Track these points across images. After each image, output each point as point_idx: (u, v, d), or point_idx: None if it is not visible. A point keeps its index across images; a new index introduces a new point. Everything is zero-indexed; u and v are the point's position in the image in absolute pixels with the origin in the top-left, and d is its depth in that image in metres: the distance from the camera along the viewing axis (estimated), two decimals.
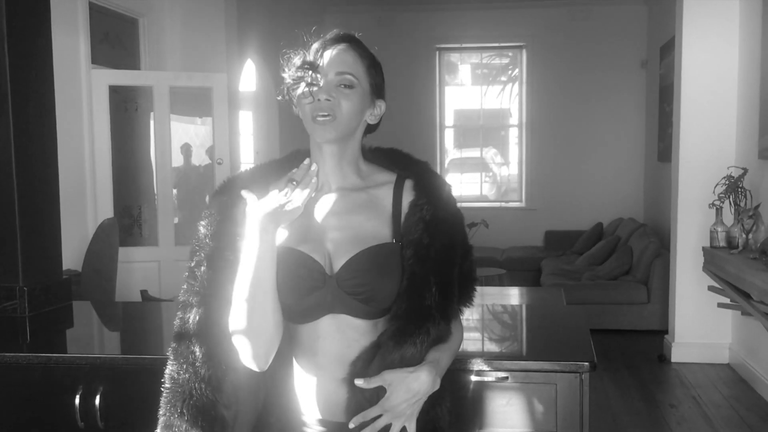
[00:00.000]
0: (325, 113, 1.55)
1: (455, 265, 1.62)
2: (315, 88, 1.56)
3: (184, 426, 1.57)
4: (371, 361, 1.55)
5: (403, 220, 1.61)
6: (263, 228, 1.49)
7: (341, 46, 1.60)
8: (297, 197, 1.52)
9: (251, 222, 1.50)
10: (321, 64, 1.58)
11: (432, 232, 1.58)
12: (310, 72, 1.56)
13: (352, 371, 1.56)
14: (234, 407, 1.59)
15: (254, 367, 1.55)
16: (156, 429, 1.63)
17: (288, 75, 1.60)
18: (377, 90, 1.66)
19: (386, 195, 1.65)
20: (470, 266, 1.71)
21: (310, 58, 1.58)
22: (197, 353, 1.58)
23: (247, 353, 1.53)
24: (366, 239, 1.59)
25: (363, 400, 1.55)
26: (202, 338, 1.58)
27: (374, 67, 1.65)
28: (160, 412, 1.61)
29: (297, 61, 1.59)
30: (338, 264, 1.57)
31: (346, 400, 1.57)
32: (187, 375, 1.58)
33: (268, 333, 1.53)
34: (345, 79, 1.58)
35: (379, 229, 1.61)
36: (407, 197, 1.63)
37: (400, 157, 1.74)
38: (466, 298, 1.70)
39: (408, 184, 1.65)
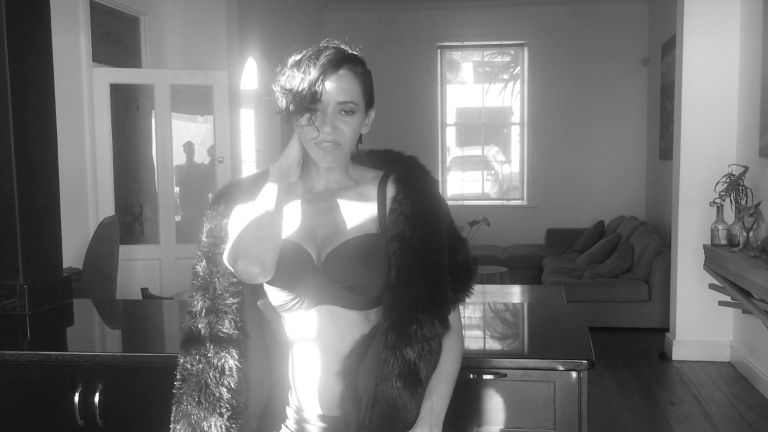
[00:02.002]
0: (329, 143, 1.59)
1: (441, 255, 1.64)
2: (318, 121, 1.58)
3: (202, 414, 1.62)
4: (365, 354, 1.59)
5: (387, 215, 1.64)
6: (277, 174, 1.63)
7: (341, 72, 1.59)
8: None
9: (272, 172, 1.64)
10: (321, 93, 1.57)
11: (413, 225, 1.61)
12: (312, 104, 1.57)
13: (346, 365, 1.60)
14: (245, 394, 1.65)
15: (260, 274, 1.53)
16: (161, 424, 1.67)
17: (286, 100, 1.60)
18: (370, 101, 1.68)
19: (372, 191, 1.69)
20: (465, 257, 1.72)
21: (309, 88, 1.56)
22: (208, 344, 1.64)
23: (245, 259, 1.52)
24: (352, 231, 1.63)
25: (357, 394, 1.58)
26: (212, 330, 1.64)
27: (369, 82, 1.66)
28: (175, 403, 1.67)
29: (296, 86, 1.58)
30: (325, 255, 1.61)
31: (340, 393, 1.60)
32: (200, 365, 1.64)
33: (276, 243, 1.56)
34: (347, 107, 1.60)
35: (365, 223, 1.65)
36: (390, 192, 1.67)
37: (391, 155, 1.77)
38: (463, 289, 1.71)
39: (391, 180, 1.68)
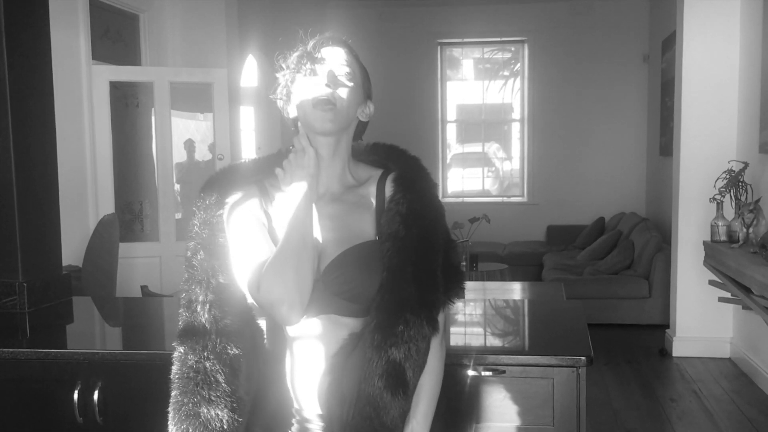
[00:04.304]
0: (325, 99, 1.59)
1: (435, 255, 1.63)
2: (315, 76, 1.61)
3: (213, 412, 1.58)
4: (352, 352, 1.58)
5: (384, 215, 1.63)
6: (300, 190, 1.56)
7: (338, 47, 1.66)
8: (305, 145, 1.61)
9: (290, 190, 1.57)
10: (319, 57, 1.62)
11: (408, 225, 1.60)
12: (310, 62, 1.61)
13: (333, 363, 1.59)
14: (245, 387, 1.63)
15: (291, 318, 1.53)
16: (160, 421, 1.63)
17: (285, 67, 1.65)
18: (367, 91, 1.72)
19: (371, 191, 1.68)
20: (456, 259, 1.73)
21: (308, 50, 1.63)
22: (217, 340, 1.60)
23: (287, 302, 1.51)
24: (351, 239, 1.61)
25: (341, 392, 1.57)
26: (218, 325, 1.60)
27: (365, 71, 1.72)
28: (179, 403, 1.60)
29: (295, 55, 1.63)
30: (324, 265, 1.60)
31: (326, 391, 1.59)
32: (208, 363, 1.59)
33: (310, 277, 1.54)
34: (343, 71, 1.63)
35: (364, 228, 1.64)
36: (388, 191, 1.67)
37: (396, 153, 1.77)
38: (454, 291, 1.71)
39: (390, 178, 1.68)
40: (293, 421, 1.67)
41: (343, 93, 1.62)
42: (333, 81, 1.61)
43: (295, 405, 1.66)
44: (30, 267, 3.01)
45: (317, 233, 1.63)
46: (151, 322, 3.14)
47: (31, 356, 2.37)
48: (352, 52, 1.68)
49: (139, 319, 3.14)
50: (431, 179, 1.71)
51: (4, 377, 2.37)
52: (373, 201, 1.67)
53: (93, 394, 2.29)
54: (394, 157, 1.75)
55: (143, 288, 4.59)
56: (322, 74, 1.61)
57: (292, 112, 1.68)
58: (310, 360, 1.61)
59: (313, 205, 1.61)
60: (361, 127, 1.75)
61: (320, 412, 1.62)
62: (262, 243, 1.58)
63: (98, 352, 2.36)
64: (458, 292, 1.71)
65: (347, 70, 1.64)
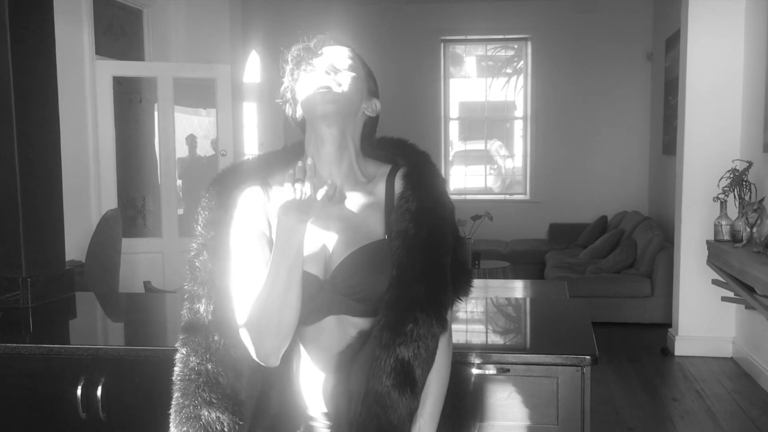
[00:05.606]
0: (327, 86, 1.59)
1: (445, 253, 1.62)
2: (315, 70, 1.61)
3: (214, 415, 1.57)
4: (360, 350, 1.57)
5: (393, 212, 1.62)
6: (292, 226, 1.45)
7: (339, 45, 1.67)
8: (307, 189, 1.44)
9: (280, 221, 1.46)
10: (321, 52, 1.63)
11: (418, 222, 1.58)
12: (309, 56, 1.62)
13: (340, 360, 1.58)
14: (247, 390, 1.62)
15: (270, 362, 1.53)
16: (163, 417, 1.62)
17: (286, 65, 1.65)
18: (372, 88, 1.71)
19: (380, 188, 1.67)
20: (464, 257, 1.72)
21: (310, 45, 1.63)
22: (220, 342, 1.59)
23: (267, 348, 1.51)
24: (360, 238, 1.60)
25: (349, 389, 1.57)
26: (221, 327, 1.59)
27: (369, 69, 1.71)
28: (180, 405, 1.60)
29: (294, 49, 1.64)
30: (333, 267, 1.59)
31: (333, 389, 1.58)
32: (210, 365, 1.59)
33: (292, 328, 1.52)
34: (344, 62, 1.64)
35: (374, 227, 1.63)
36: (398, 188, 1.65)
37: (405, 148, 1.76)
38: (463, 289, 1.71)
39: (399, 175, 1.67)
40: (300, 420, 1.65)
41: (343, 78, 1.61)
42: (332, 69, 1.61)
43: (302, 404, 1.64)
44: (33, 262, 3.01)
45: (325, 238, 1.61)
46: (154, 317, 3.14)
47: (34, 351, 2.36)
48: (355, 51, 1.68)
49: (142, 314, 3.14)
50: (440, 175, 1.70)
51: (8, 373, 2.37)
52: (383, 198, 1.65)
53: (96, 390, 2.29)
54: (403, 153, 1.73)
55: (146, 284, 4.59)
56: (321, 67, 1.61)
57: (298, 112, 1.67)
58: (317, 358, 1.60)
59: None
60: (371, 125, 1.73)
61: (325, 410, 1.61)
62: (259, 266, 1.54)
63: (101, 348, 2.37)
64: (466, 290, 1.71)
65: (349, 62, 1.64)
